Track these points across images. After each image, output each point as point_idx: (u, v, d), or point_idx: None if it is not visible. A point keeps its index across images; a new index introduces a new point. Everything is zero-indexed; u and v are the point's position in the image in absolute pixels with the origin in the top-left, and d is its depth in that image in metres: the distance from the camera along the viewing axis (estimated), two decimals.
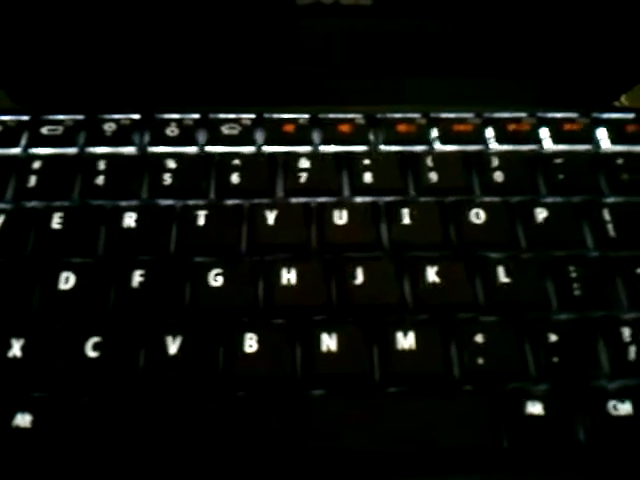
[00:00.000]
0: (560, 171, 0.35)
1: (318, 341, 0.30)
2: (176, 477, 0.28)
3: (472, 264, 0.32)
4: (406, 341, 0.30)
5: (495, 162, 0.35)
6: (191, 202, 0.33)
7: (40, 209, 0.33)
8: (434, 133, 0.36)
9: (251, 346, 0.29)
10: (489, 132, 0.37)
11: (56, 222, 0.32)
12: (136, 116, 0.36)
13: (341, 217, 0.33)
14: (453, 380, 0.29)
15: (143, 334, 0.30)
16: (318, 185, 0.34)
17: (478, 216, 0.33)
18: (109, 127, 0.36)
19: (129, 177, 0.34)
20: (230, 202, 0.34)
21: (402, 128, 0.36)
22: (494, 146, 0.36)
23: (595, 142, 0.37)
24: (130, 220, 0.33)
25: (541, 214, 0.34)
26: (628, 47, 0.39)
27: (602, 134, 0.37)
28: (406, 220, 0.33)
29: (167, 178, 0.34)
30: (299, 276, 0.31)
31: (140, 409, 0.28)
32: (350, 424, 0.28)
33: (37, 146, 0.35)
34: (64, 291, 0.31)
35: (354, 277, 0.31)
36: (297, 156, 0.35)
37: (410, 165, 0.35)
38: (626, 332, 0.30)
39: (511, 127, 0.37)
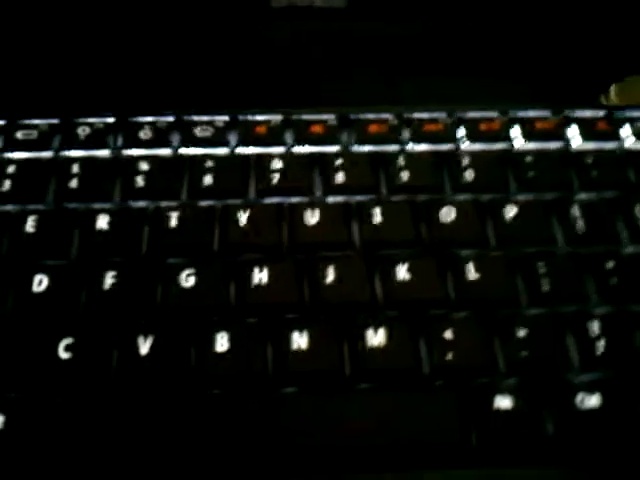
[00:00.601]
0: (531, 169, 0.36)
1: (289, 339, 0.30)
2: (151, 475, 0.28)
3: (443, 261, 0.32)
4: (376, 338, 0.30)
5: (466, 161, 0.36)
6: (164, 203, 0.34)
7: (14, 212, 0.33)
8: (406, 133, 0.37)
9: (222, 345, 0.30)
10: (460, 131, 0.37)
11: (30, 225, 0.33)
12: (110, 119, 0.37)
13: (313, 217, 0.33)
14: (423, 376, 0.30)
15: (115, 335, 0.30)
16: (290, 185, 0.34)
17: (449, 214, 0.34)
18: (83, 131, 0.36)
19: (103, 180, 0.34)
20: (203, 203, 0.34)
21: (374, 128, 0.37)
22: (465, 145, 0.37)
23: (566, 140, 0.37)
24: (103, 222, 0.33)
25: (511, 211, 0.34)
26: (605, 47, 0.40)
27: (574, 132, 0.38)
28: (377, 219, 0.33)
29: (140, 180, 0.34)
30: (271, 275, 0.31)
31: (113, 409, 0.29)
32: (321, 420, 0.28)
33: (12, 150, 0.36)
34: (38, 293, 0.31)
35: (326, 276, 0.31)
36: (270, 157, 0.35)
37: (382, 165, 0.35)
38: (595, 327, 0.31)
39: (482, 126, 0.37)
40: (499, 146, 0.37)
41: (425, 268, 0.32)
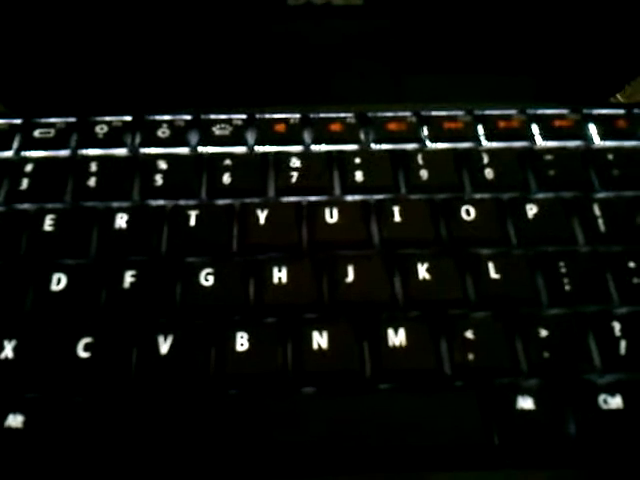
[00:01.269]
0: (551, 167, 0.35)
1: (309, 339, 0.30)
2: (170, 475, 0.28)
3: (463, 261, 0.32)
4: (397, 338, 0.30)
5: (486, 159, 0.35)
6: (182, 202, 0.33)
7: (33, 211, 0.33)
8: (425, 131, 0.37)
9: (242, 344, 0.30)
10: (480, 129, 0.37)
11: (48, 224, 0.33)
12: (128, 118, 0.37)
13: (332, 215, 0.33)
14: (444, 376, 0.30)
15: (135, 334, 0.30)
16: (309, 184, 0.34)
17: (469, 213, 0.33)
18: (101, 129, 0.36)
19: (121, 178, 0.34)
20: (221, 202, 0.34)
21: (393, 126, 0.36)
22: (485, 143, 0.36)
23: (586, 138, 0.37)
24: (122, 221, 0.33)
25: (532, 210, 0.34)
26: (621, 46, 0.39)
27: (593, 130, 0.37)
28: (397, 218, 0.33)
29: (158, 179, 0.34)
30: (290, 275, 0.31)
31: (132, 408, 0.28)
32: (341, 421, 0.28)
33: (29, 149, 0.35)
34: (56, 292, 0.31)
35: (345, 275, 0.31)
36: (288, 155, 0.35)
37: (401, 163, 0.35)
38: (617, 327, 0.31)
39: (502, 124, 0.37)
40: (519, 144, 0.36)
41: (445, 267, 0.32)
